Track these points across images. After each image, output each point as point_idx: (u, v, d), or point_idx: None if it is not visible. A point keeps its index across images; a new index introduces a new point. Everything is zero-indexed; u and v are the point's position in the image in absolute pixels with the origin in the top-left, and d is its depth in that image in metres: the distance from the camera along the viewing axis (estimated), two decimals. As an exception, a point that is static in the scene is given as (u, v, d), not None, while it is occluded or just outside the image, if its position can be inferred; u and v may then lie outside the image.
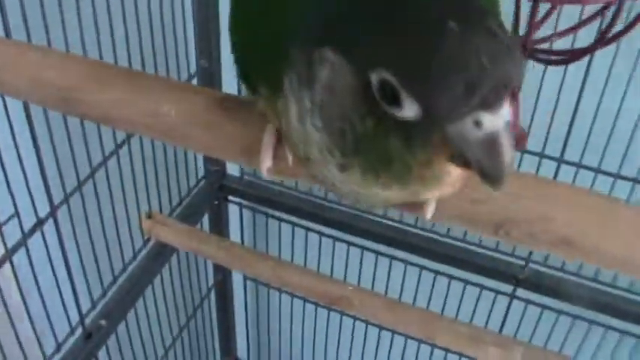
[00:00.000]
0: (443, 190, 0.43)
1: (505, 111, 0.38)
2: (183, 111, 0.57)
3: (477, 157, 0.38)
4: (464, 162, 0.39)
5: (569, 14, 0.82)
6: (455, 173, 0.41)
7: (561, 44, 0.75)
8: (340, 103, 0.41)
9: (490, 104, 0.37)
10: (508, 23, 0.71)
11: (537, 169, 1.22)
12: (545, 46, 0.68)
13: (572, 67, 1.07)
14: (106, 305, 1.23)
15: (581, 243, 0.49)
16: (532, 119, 1.19)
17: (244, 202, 1.50)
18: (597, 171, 1.21)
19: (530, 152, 1.22)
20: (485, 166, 0.38)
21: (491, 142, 0.38)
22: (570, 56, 0.65)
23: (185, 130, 0.57)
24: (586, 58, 1.06)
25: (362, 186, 0.43)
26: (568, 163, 1.21)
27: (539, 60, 0.67)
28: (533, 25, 0.58)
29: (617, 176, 1.20)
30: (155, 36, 1.12)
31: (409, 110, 0.38)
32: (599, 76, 1.12)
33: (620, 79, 1.11)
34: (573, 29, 0.68)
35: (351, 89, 0.40)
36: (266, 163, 0.53)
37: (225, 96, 0.57)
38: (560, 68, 1.11)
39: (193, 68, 1.29)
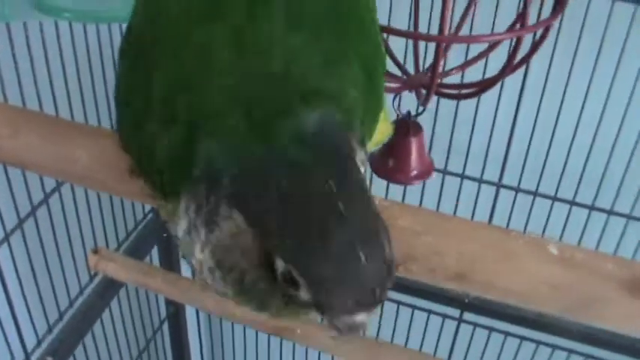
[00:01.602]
0: None
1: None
2: (95, 156, 0.58)
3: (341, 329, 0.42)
4: None
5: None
6: None
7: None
8: (235, 257, 0.42)
9: (364, 309, 0.41)
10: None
11: (477, 195, 1.24)
12: (452, 80, 0.69)
13: (507, 89, 1.11)
14: (52, 342, 1.22)
15: (474, 277, 0.50)
16: (469, 144, 1.21)
17: (193, 234, 1.50)
18: (535, 194, 1.23)
19: (468, 177, 1.24)
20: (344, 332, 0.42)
21: (355, 327, 0.42)
22: (479, 88, 0.67)
23: (96, 175, 0.58)
24: (518, 81, 1.10)
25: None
26: (506, 187, 1.23)
27: (446, 96, 0.68)
28: (437, 67, 0.60)
29: (555, 199, 1.23)
30: (83, 81, 1.13)
31: (304, 295, 0.41)
32: (533, 97, 1.14)
33: (554, 100, 1.14)
34: (469, 63, 0.70)
35: (251, 254, 0.42)
36: None
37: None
38: (495, 92, 1.13)
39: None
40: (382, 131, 0.53)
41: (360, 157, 0.45)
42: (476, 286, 0.51)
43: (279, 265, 0.40)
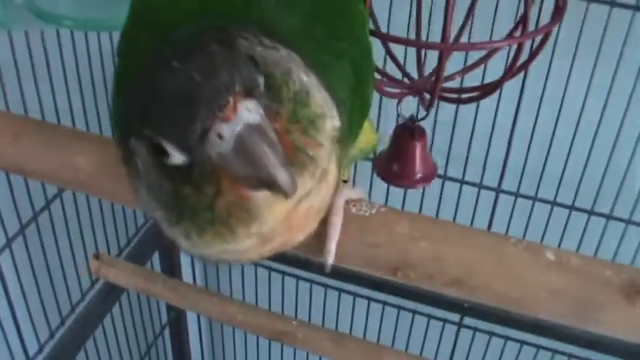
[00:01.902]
0: (282, 224, 0.44)
1: (245, 112, 0.39)
2: (94, 162, 0.59)
3: (243, 169, 0.39)
4: (255, 183, 0.40)
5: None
6: (280, 207, 0.42)
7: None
8: (153, 181, 0.43)
9: (220, 114, 0.39)
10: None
11: (476, 200, 1.25)
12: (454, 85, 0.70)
13: (506, 96, 1.11)
14: (54, 348, 1.23)
15: (472, 283, 0.51)
16: (469, 150, 1.21)
17: (194, 240, 1.50)
18: (534, 199, 1.23)
19: (468, 183, 1.25)
20: (255, 173, 0.39)
21: (242, 147, 0.39)
22: (482, 92, 0.67)
23: (96, 181, 0.59)
24: (517, 87, 1.11)
25: (207, 246, 0.45)
26: (506, 192, 1.24)
27: (449, 100, 0.69)
28: (440, 73, 0.60)
29: (554, 204, 1.23)
30: (85, 89, 1.13)
31: (176, 157, 0.41)
32: (532, 103, 1.15)
33: (553, 105, 1.14)
34: (471, 67, 0.70)
35: (150, 165, 0.43)
36: None
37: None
38: (494, 98, 1.13)
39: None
40: (367, 141, 0.53)
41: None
42: (473, 291, 0.51)
43: (146, 144, 0.42)
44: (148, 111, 0.40)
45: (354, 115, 0.48)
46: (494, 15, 1.01)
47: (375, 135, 0.60)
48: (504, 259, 0.51)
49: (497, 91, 1.07)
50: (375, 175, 0.78)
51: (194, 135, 0.39)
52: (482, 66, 0.75)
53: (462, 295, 0.52)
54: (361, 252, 0.51)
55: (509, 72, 0.65)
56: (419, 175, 0.73)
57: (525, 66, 0.66)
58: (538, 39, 0.66)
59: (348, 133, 0.48)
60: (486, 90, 0.68)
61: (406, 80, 0.72)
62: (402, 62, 0.74)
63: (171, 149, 0.40)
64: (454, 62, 0.79)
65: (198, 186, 0.41)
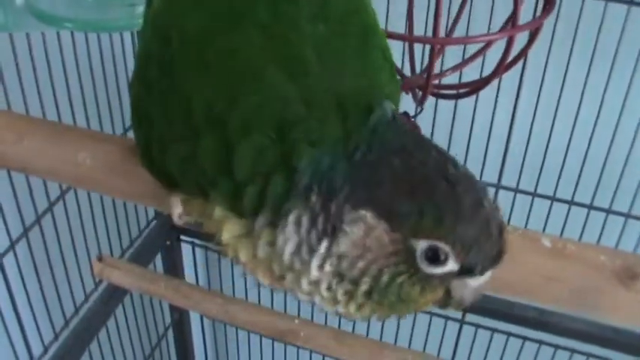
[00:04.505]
0: None
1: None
2: (98, 159, 0.59)
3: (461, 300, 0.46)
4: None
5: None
6: None
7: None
8: (367, 260, 0.43)
9: (495, 263, 0.44)
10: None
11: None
12: (449, 81, 0.71)
13: (504, 92, 1.12)
14: (58, 349, 1.23)
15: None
16: (468, 147, 1.22)
17: (196, 241, 1.52)
18: (534, 195, 1.24)
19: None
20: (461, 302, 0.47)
21: (472, 291, 0.46)
22: (473, 87, 0.68)
23: (99, 177, 0.59)
24: (515, 83, 1.11)
25: (344, 312, 0.47)
26: (506, 188, 1.24)
27: (442, 96, 0.69)
28: (432, 68, 0.61)
29: (554, 199, 1.24)
30: (85, 89, 1.14)
31: (451, 267, 0.43)
32: (530, 99, 1.15)
33: (551, 100, 1.15)
34: (464, 63, 0.71)
35: (387, 247, 0.43)
36: (177, 209, 0.55)
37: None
38: (492, 95, 1.14)
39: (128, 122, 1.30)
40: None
41: None
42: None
43: (422, 245, 0.42)
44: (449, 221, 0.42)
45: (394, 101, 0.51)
46: (492, 9, 1.02)
47: None
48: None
49: (495, 89, 1.08)
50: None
51: (483, 269, 0.44)
52: (480, 60, 0.75)
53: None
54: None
55: (501, 66, 0.66)
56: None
57: (518, 59, 0.67)
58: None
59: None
60: (478, 85, 0.69)
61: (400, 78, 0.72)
62: (396, 60, 0.74)
63: (453, 265, 0.43)
64: (453, 57, 0.79)
65: (424, 292, 0.45)
